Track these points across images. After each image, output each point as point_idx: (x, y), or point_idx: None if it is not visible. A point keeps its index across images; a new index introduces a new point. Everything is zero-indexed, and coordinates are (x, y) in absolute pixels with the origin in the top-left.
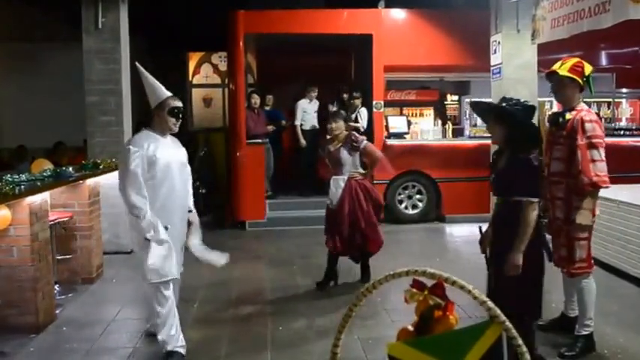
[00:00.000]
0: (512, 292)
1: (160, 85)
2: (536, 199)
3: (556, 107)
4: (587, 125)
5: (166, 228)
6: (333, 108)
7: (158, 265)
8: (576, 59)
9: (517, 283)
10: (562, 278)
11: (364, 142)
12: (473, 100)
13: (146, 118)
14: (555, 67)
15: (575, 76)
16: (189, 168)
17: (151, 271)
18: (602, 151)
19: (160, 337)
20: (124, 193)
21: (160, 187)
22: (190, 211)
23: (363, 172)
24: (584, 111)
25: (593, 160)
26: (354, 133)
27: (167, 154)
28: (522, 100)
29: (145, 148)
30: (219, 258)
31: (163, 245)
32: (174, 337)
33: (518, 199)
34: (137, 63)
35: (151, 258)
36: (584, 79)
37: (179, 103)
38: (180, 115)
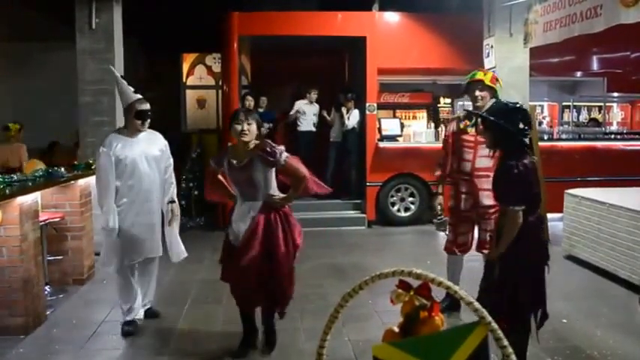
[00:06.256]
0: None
1: (129, 90)
2: (520, 207)
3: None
4: None
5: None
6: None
7: (103, 253)
8: (491, 73)
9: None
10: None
11: (284, 154)
12: (465, 109)
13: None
14: (480, 76)
15: (493, 85)
16: (170, 160)
17: (101, 259)
18: None
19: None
20: (96, 187)
21: (128, 183)
22: (173, 202)
23: (284, 195)
24: None
25: None
26: (269, 141)
27: (134, 153)
28: (511, 103)
29: (113, 147)
30: (178, 254)
31: (110, 238)
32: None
33: (504, 207)
34: (111, 67)
35: (104, 247)
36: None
37: (145, 107)
38: (148, 116)
